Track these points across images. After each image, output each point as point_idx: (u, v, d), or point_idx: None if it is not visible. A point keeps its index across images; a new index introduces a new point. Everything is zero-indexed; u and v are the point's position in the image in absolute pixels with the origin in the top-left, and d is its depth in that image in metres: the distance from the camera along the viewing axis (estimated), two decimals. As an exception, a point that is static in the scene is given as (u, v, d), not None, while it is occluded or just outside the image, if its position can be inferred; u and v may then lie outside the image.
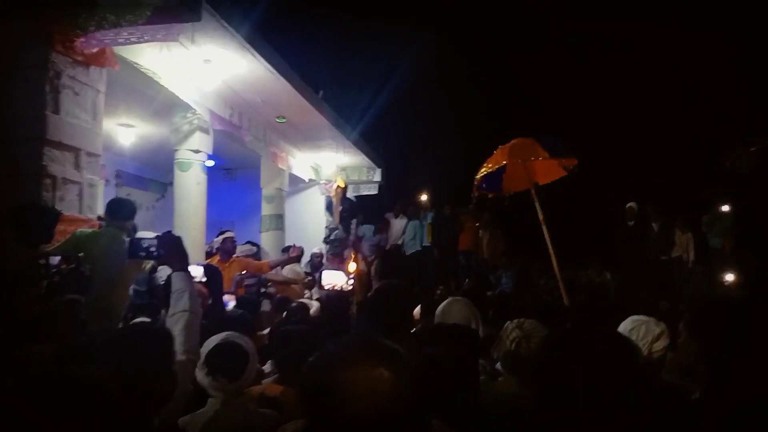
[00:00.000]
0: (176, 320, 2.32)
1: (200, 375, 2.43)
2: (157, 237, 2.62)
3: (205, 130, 7.57)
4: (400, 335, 2.51)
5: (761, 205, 8.58)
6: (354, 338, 1.15)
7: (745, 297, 6.19)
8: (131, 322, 3.70)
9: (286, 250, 8.24)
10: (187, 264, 2.54)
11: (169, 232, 2.72)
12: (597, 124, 13.73)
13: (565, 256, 11.81)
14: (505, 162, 6.25)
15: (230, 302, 4.65)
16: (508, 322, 2.54)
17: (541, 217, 6.41)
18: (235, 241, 7.11)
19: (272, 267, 7.23)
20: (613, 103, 14.91)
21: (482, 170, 6.47)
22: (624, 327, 2.54)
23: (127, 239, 3.30)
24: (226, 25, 5.97)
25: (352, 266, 6.19)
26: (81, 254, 3.22)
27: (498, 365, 2.56)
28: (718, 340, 1.96)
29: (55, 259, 2.91)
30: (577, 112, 14.97)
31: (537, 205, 6.42)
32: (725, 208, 10.62)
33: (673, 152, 14.24)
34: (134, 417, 1.56)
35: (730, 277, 9.26)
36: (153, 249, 2.60)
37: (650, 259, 10.60)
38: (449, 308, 3.01)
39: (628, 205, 10.74)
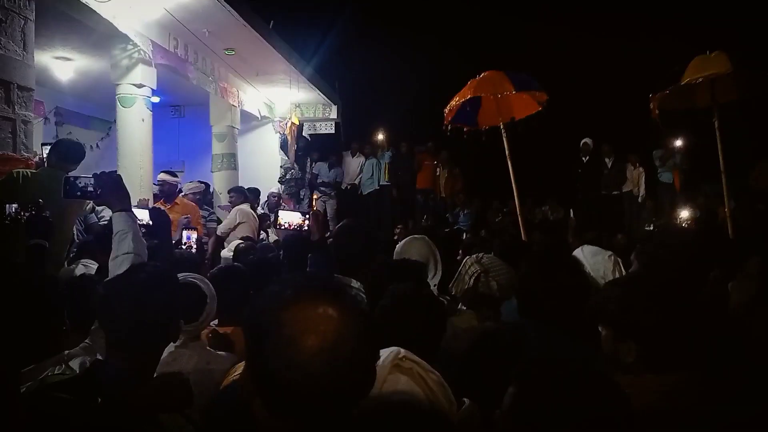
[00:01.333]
0: (119, 263, 2.19)
1: None
2: (94, 175, 2.43)
3: (148, 63, 7.12)
4: (359, 275, 2.47)
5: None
6: (298, 276, 1.07)
7: (696, 229, 6.42)
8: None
9: (235, 191, 7.96)
10: (129, 204, 2.38)
11: (111, 171, 2.54)
12: (555, 61, 13.63)
13: (522, 192, 12.00)
14: (476, 94, 6.14)
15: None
16: (467, 257, 2.51)
17: (507, 152, 6.39)
18: (171, 183, 6.78)
19: (221, 234, 7.00)
20: (572, 42, 14.78)
21: (452, 103, 6.35)
22: (585, 259, 2.55)
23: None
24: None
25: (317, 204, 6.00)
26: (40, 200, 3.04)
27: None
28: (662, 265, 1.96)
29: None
30: (538, 49, 14.78)
31: (505, 140, 6.39)
32: (677, 143, 10.85)
33: (626, 89, 14.36)
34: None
35: (680, 213, 9.57)
36: (90, 188, 2.42)
37: (603, 194, 10.86)
38: (408, 246, 2.97)
39: (583, 141, 10.86)
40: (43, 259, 2.77)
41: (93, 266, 3.52)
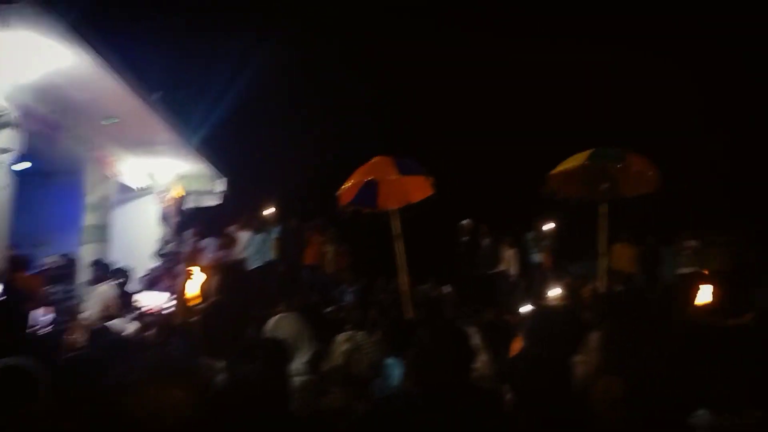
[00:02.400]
0: None
1: None
2: None
3: (16, 127, 6.66)
4: (228, 354, 2.37)
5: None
6: (149, 359, 1.04)
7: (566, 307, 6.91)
8: None
9: (98, 265, 7.44)
10: None
11: None
12: (440, 143, 14.55)
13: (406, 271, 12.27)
14: (367, 178, 6.32)
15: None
16: (339, 334, 2.52)
17: (398, 232, 6.58)
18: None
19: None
20: (453, 123, 15.90)
21: (345, 186, 6.48)
22: None
23: None
24: (47, 9, 5.32)
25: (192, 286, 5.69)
26: None
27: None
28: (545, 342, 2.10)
29: None
30: (425, 131, 15.67)
31: (397, 222, 6.56)
32: (549, 226, 11.76)
33: (502, 173, 15.56)
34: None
35: (550, 292, 10.28)
36: None
37: (479, 273, 11.45)
38: (279, 324, 2.91)
39: (462, 223, 11.53)
40: None
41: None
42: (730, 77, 15.39)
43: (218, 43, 15.69)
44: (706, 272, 10.66)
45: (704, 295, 5.45)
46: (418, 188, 6.84)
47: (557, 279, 11.33)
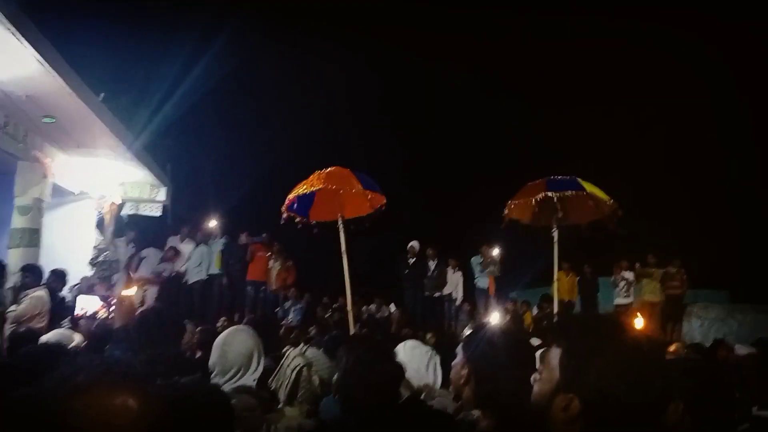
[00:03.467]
0: None
1: None
2: None
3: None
4: (164, 362, 2.23)
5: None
6: (99, 366, 0.94)
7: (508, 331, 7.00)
8: None
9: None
10: None
11: None
12: (389, 166, 14.61)
13: (353, 290, 12.18)
14: (320, 186, 6.20)
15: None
16: (290, 349, 2.42)
17: (343, 248, 6.45)
18: None
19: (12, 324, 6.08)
20: (409, 145, 16.00)
21: (295, 191, 6.33)
22: (405, 353, 2.59)
23: None
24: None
25: (130, 291, 5.40)
26: None
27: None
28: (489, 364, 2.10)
29: None
30: (382, 148, 15.66)
31: (342, 236, 6.46)
32: (495, 252, 11.93)
33: (451, 197, 15.80)
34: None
35: (494, 317, 10.42)
36: None
37: (425, 295, 11.47)
38: (232, 338, 2.77)
39: (410, 244, 11.54)
40: None
41: None
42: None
43: (164, 45, 15.29)
44: (640, 304, 11.13)
45: (637, 325, 5.68)
46: (356, 204, 6.72)
47: (501, 303, 11.54)
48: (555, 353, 1.52)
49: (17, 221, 8.69)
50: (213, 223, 11.68)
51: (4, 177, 9.01)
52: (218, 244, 11.45)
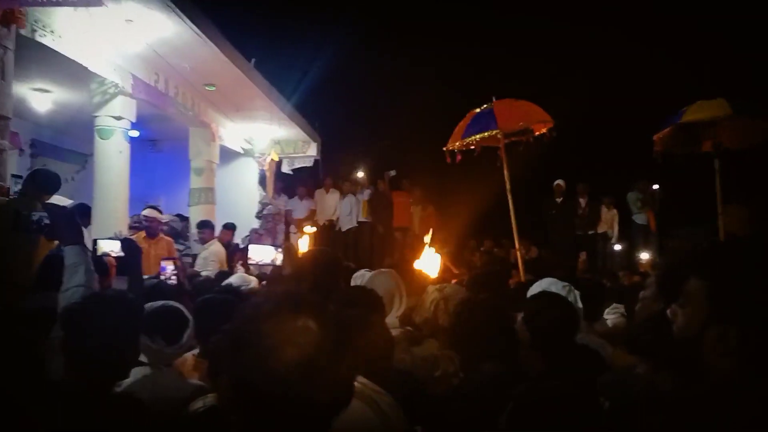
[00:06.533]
0: (70, 295, 2.22)
1: None
2: (46, 209, 2.44)
3: (128, 95, 7.15)
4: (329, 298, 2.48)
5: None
6: (279, 291, 1.09)
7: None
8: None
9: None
10: (80, 238, 2.39)
11: (59, 205, 2.55)
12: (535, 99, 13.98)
13: (491, 232, 12.07)
14: (490, 105, 6.13)
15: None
16: (430, 285, 2.56)
17: (508, 186, 6.33)
18: (155, 219, 6.92)
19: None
20: (556, 81, 15.10)
21: (460, 124, 6.31)
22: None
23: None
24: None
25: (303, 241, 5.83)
26: None
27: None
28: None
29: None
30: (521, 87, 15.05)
31: (506, 172, 6.31)
32: (655, 186, 11.08)
33: (603, 131, 14.78)
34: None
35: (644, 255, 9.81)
36: (43, 222, 2.42)
37: (577, 234, 11.01)
38: (375, 279, 2.99)
39: (555, 182, 11.08)
40: None
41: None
42: None
43: (311, 10, 15.89)
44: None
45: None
46: (539, 118, 6.41)
47: (662, 241, 10.71)
48: (698, 285, 1.46)
49: (194, 182, 9.85)
50: (359, 174, 12.24)
51: (179, 143, 10.20)
52: (364, 194, 12.02)
